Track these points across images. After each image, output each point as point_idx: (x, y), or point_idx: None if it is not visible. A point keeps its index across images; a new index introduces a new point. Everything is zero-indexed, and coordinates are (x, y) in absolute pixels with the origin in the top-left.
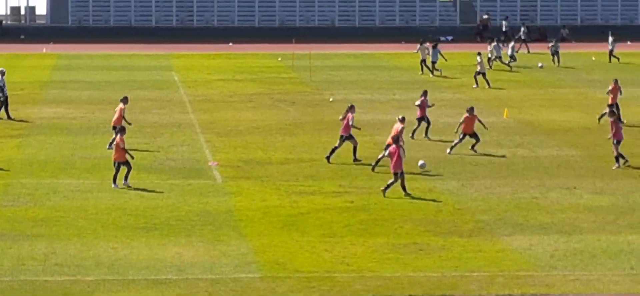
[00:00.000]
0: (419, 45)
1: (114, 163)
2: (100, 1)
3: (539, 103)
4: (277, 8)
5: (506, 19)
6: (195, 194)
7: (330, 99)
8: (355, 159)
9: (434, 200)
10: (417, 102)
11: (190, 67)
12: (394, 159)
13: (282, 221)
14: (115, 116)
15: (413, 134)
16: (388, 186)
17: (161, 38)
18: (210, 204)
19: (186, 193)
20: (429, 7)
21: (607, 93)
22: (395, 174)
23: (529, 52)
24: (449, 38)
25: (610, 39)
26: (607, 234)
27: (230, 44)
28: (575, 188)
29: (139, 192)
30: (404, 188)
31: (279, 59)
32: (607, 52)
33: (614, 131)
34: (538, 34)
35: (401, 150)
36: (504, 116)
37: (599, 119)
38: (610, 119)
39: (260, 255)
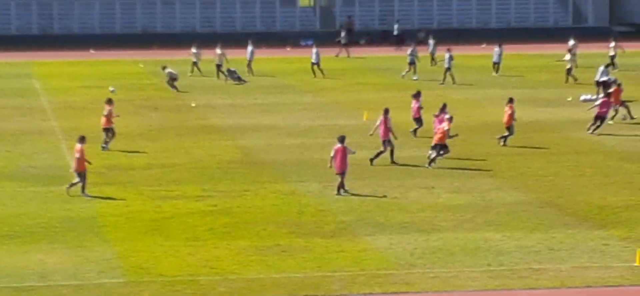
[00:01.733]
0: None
1: (76, 173)
2: None
3: (397, 105)
4: (138, 14)
5: (398, 22)
6: (58, 200)
7: (193, 105)
8: (373, 159)
9: (296, 202)
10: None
11: (51, 75)
12: (338, 158)
13: (145, 226)
14: (103, 118)
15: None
16: (339, 187)
17: (21, 45)
18: (73, 210)
19: (49, 200)
20: (289, 12)
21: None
22: (341, 174)
23: (348, 56)
24: (310, 42)
25: (497, 49)
26: (465, 232)
27: (92, 50)
28: (433, 187)
29: (0, 200)
30: (341, 187)
31: (141, 65)
32: (463, 55)
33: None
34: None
35: (347, 150)
36: (364, 118)
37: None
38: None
39: (124, 260)
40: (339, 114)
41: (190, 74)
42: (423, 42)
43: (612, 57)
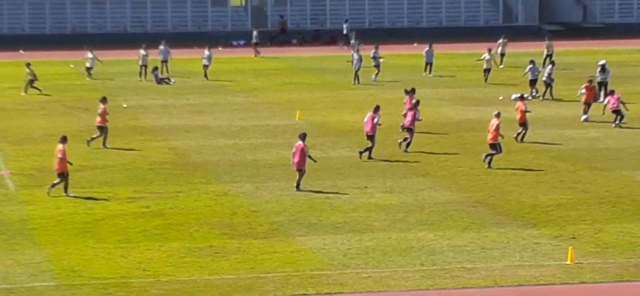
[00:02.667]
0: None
1: (58, 175)
2: None
3: (330, 105)
4: (69, 15)
5: (346, 21)
6: None
7: (124, 105)
8: (362, 154)
9: (229, 203)
10: (413, 101)
11: None
12: (298, 156)
13: (77, 229)
14: (98, 116)
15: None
16: (298, 184)
17: None
18: (3, 213)
19: None
20: (220, 12)
21: (580, 95)
22: (299, 171)
23: (257, 55)
24: (242, 42)
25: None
26: (398, 232)
27: (21, 51)
28: (366, 187)
29: None
30: (298, 185)
31: (72, 65)
32: (395, 54)
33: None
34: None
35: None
36: (297, 118)
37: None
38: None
39: (56, 263)
40: (272, 115)
41: (140, 79)
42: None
43: (549, 56)
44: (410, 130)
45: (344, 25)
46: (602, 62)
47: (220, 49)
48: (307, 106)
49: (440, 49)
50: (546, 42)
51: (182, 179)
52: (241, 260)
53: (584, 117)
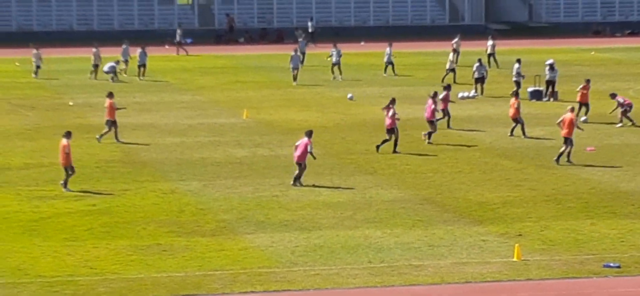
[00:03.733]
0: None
1: (64, 168)
2: None
3: (277, 103)
4: (14, 12)
5: (311, 19)
6: None
7: (71, 103)
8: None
9: (176, 201)
10: (441, 96)
11: None
12: (300, 150)
13: (23, 227)
14: (107, 110)
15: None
16: (297, 178)
17: None
18: None
19: None
20: (167, 10)
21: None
22: (299, 164)
23: (187, 54)
24: (189, 40)
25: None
26: (346, 230)
27: None
28: (314, 185)
29: None
30: (297, 178)
31: (17, 63)
32: (343, 53)
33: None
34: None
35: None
36: (244, 117)
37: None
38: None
39: (1, 261)
40: (219, 113)
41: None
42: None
43: (491, 56)
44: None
45: (309, 23)
46: (550, 61)
47: (167, 47)
48: (255, 104)
49: (386, 48)
50: (489, 41)
51: (129, 178)
52: (189, 257)
53: (583, 118)
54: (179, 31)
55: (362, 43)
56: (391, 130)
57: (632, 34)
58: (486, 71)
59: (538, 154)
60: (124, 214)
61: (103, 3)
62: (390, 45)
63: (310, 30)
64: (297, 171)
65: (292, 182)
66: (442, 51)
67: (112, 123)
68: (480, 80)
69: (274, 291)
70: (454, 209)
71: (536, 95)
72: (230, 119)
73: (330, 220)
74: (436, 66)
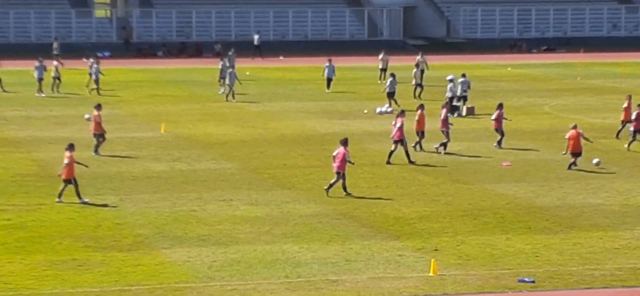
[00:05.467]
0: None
1: (64, 181)
2: None
3: (196, 117)
4: None
5: (258, 32)
6: None
7: None
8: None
9: (93, 216)
10: (493, 116)
11: None
12: (338, 161)
13: None
14: (92, 123)
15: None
16: (330, 185)
17: None
18: None
19: None
20: (85, 23)
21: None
22: (338, 173)
23: (63, 66)
24: (107, 54)
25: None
26: (263, 244)
27: None
28: (232, 199)
29: None
30: (344, 188)
31: None
32: (261, 67)
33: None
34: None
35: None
36: (162, 131)
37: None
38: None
39: None
40: (137, 127)
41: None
42: (221, 54)
43: (383, 70)
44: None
45: (255, 37)
46: (450, 77)
47: (84, 60)
48: (173, 118)
49: (306, 63)
50: (381, 56)
51: (45, 192)
52: (105, 272)
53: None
54: (55, 45)
55: (281, 57)
56: (399, 141)
57: (548, 50)
58: (396, 85)
59: (454, 169)
60: (40, 229)
61: (20, 15)
62: (330, 61)
63: (255, 43)
64: (334, 179)
65: (326, 188)
66: (359, 65)
67: (99, 136)
68: (391, 95)
69: None
70: (371, 224)
71: (453, 110)
72: (148, 133)
73: (247, 235)
74: (355, 81)
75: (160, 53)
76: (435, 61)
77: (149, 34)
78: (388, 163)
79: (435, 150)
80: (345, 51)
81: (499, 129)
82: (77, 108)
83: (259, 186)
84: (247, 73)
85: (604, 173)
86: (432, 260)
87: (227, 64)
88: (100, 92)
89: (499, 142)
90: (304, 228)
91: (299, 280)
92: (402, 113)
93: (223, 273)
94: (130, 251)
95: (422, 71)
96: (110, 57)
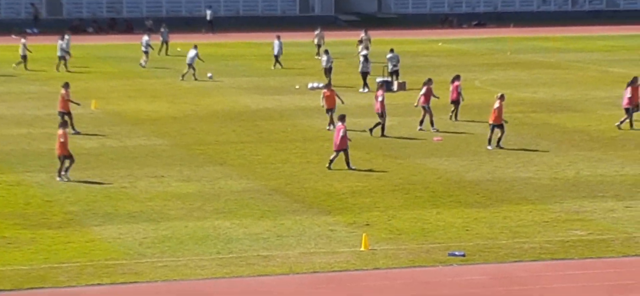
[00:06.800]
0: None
1: (59, 157)
2: None
3: (127, 94)
4: None
5: (210, 7)
6: None
7: None
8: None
9: (22, 193)
10: (422, 92)
11: None
12: (339, 136)
13: None
14: (60, 102)
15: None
16: (331, 161)
17: None
18: None
19: None
20: (14, 0)
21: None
22: (338, 151)
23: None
24: (36, 31)
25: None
26: (195, 221)
27: None
28: (163, 176)
29: None
30: (348, 164)
31: None
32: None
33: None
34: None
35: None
36: (92, 107)
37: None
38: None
39: None
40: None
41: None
42: (152, 30)
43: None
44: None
45: (208, 12)
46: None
47: (13, 37)
48: (103, 94)
49: (237, 38)
50: (317, 32)
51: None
52: (35, 250)
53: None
54: None
55: (209, 34)
56: (380, 114)
57: (479, 25)
58: (332, 62)
59: (386, 144)
60: None
61: None
62: (278, 38)
63: (208, 18)
64: (333, 155)
65: (347, 166)
66: (292, 41)
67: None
68: (328, 71)
69: (121, 283)
70: (303, 200)
71: (385, 86)
72: (79, 110)
73: (179, 211)
74: (287, 57)
75: (90, 29)
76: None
77: (78, 10)
78: (382, 135)
79: (369, 131)
80: (277, 27)
81: (426, 105)
82: (6, 85)
83: (191, 162)
84: (178, 49)
85: (533, 148)
86: (364, 234)
87: (149, 40)
88: (28, 68)
89: (424, 122)
90: (235, 204)
91: (231, 255)
92: (382, 85)
93: (154, 249)
94: (60, 229)
95: (319, 45)
96: (40, 33)
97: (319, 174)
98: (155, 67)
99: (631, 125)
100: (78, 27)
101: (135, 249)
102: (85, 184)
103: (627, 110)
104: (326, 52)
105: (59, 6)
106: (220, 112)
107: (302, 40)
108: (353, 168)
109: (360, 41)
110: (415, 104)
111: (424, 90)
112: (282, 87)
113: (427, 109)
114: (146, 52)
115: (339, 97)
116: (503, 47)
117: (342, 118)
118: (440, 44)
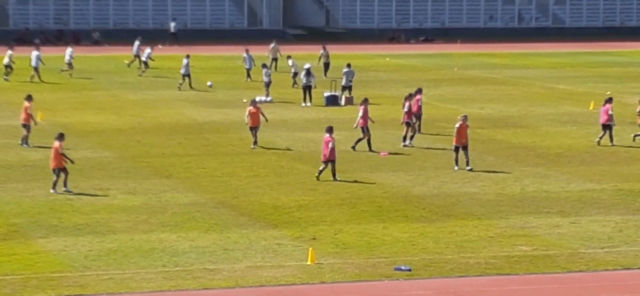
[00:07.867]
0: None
1: (54, 171)
2: None
3: (73, 106)
4: None
5: (175, 20)
6: None
7: None
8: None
9: None
10: (361, 114)
11: None
12: (328, 148)
13: None
14: (23, 114)
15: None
16: (320, 171)
17: None
18: None
19: None
20: None
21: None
22: (326, 162)
23: None
24: None
25: (136, 43)
26: (140, 233)
27: None
28: (109, 188)
29: None
30: (333, 175)
31: None
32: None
33: None
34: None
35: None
36: (38, 119)
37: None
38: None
39: None
40: (12, 115)
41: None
42: (99, 42)
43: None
44: (408, 124)
45: (172, 25)
46: (307, 65)
47: None
48: (50, 106)
49: (184, 51)
50: (272, 45)
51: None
52: None
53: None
54: None
55: (160, 46)
56: (363, 129)
57: (426, 40)
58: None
59: None
60: None
61: None
62: (248, 52)
63: (172, 31)
64: (322, 167)
65: (316, 175)
66: (239, 55)
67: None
68: (268, 85)
69: (66, 295)
70: (250, 213)
71: (332, 100)
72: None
73: (124, 224)
74: (234, 70)
75: (37, 40)
76: (314, 51)
77: (25, 20)
78: (370, 151)
79: None
80: (225, 40)
81: (364, 127)
82: None
83: (137, 174)
84: (125, 61)
85: (479, 164)
86: (310, 248)
87: (151, 54)
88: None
89: (368, 142)
90: (181, 217)
91: (177, 269)
92: (365, 100)
93: (99, 262)
94: (4, 241)
95: (275, 59)
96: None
97: (266, 188)
98: (102, 80)
99: (611, 140)
100: (24, 37)
101: (80, 261)
102: (30, 196)
103: (604, 126)
104: (264, 66)
105: (5, 17)
106: (167, 125)
107: (251, 54)
108: (338, 179)
109: (320, 58)
110: (355, 125)
111: (361, 111)
112: (229, 100)
113: (365, 131)
114: (145, 62)
115: (263, 115)
116: (450, 63)
117: (329, 130)
118: (387, 59)
